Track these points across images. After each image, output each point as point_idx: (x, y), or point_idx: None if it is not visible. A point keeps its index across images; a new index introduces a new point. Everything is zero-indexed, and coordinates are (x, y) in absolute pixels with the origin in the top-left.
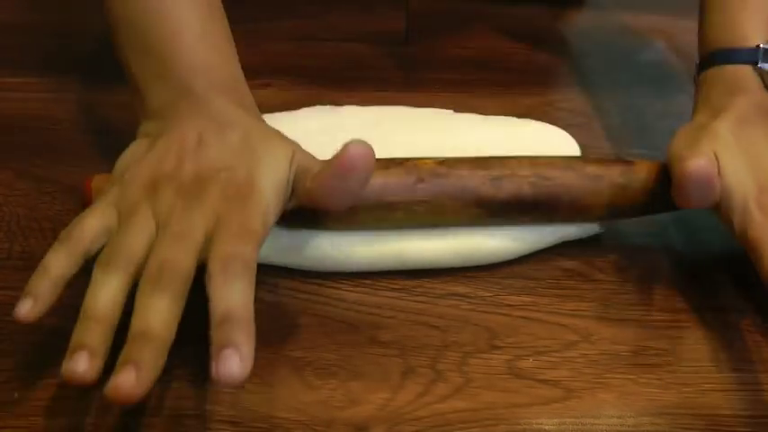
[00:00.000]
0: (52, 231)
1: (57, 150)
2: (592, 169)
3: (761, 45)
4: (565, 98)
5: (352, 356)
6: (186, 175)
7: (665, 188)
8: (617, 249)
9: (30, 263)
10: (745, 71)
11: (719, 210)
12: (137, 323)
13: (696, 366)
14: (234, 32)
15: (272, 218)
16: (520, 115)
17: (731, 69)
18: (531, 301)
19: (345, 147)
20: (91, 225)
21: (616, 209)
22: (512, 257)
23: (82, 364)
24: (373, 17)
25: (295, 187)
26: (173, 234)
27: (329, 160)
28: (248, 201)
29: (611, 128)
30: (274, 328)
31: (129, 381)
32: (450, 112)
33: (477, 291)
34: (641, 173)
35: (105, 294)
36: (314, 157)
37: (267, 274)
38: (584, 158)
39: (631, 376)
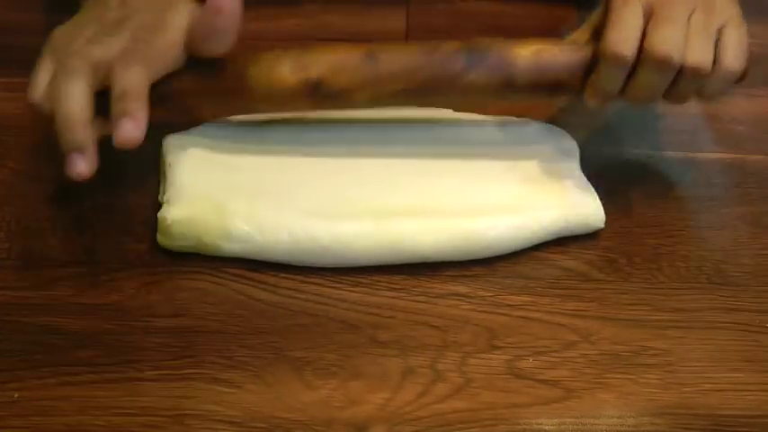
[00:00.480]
0: (52, 231)
1: (55, 149)
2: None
3: None
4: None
5: (352, 356)
6: (108, 19)
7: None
8: (616, 249)
9: (30, 263)
10: None
11: None
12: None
13: (696, 366)
14: None
15: (177, 57)
16: (519, 115)
17: None
18: (530, 300)
19: None
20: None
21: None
22: (510, 251)
23: (80, 166)
24: (373, 17)
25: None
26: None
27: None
28: (157, 34)
29: (610, 127)
30: (274, 328)
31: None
32: (449, 111)
33: (477, 291)
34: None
35: (75, 98)
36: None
37: (267, 275)
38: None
39: (631, 376)
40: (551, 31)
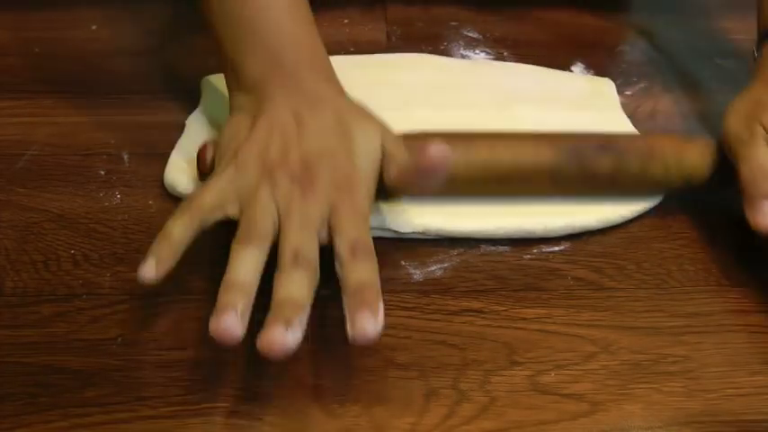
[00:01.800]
0: (44, 264)
1: (40, 177)
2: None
3: None
4: None
5: (372, 381)
6: (294, 163)
7: (719, 166)
8: (623, 255)
9: (24, 299)
10: None
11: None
12: (280, 294)
13: (717, 371)
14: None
15: (372, 198)
16: None
17: None
18: (545, 313)
19: (426, 148)
20: (211, 198)
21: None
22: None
23: (230, 321)
24: (353, 28)
25: (383, 169)
26: (298, 222)
27: (413, 157)
28: (354, 186)
29: None
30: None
31: (280, 334)
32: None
33: (491, 305)
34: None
35: (246, 266)
36: (396, 138)
37: None
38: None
39: (655, 385)
40: (533, 35)
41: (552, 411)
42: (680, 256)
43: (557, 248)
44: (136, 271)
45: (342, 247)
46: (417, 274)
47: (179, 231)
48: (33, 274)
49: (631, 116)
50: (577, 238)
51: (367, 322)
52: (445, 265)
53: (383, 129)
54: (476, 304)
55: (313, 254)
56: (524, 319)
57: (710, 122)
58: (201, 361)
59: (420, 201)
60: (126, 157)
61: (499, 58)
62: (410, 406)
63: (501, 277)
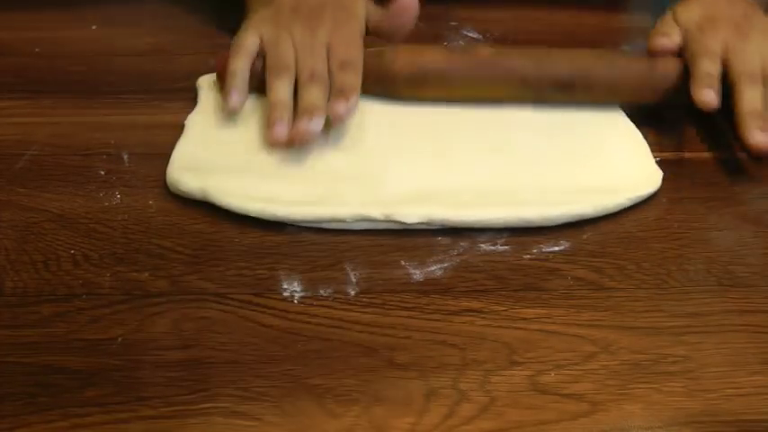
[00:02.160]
0: (44, 264)
1: (41, 177)
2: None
3: None
4: None
5: (372, 381)
6: (303, 12)
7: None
8: (623, 255)
9: (24, 299)
10: None
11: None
12: (304, 102)
13: (717, 371)
14: (218, 47)
15: (363, 32)
16: None
17: None
18: (545, 313)
19: None
20: (250, 41)
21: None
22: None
23: (281, 129)
24: None
25: (368, 20)
26: (310, 49)
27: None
28: (350, 22)
29: None
30: (289, 355)
31: (306, 123)
32: None
33: (491, 305)
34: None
35: (282, 89)
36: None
37: (274, 299)
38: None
39: (655, 385)
40: (535, 33)
41: (552, 411)
42: (680, 256)
43: (557, 248)
44: (136, 271)
45: (334, 64)
46: (417, 274)
47: (242, 68)
48: (33, 274)
49: (632, 116)
50: (577, 237)
51: (339, 105)
52: (445, 264)
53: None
54: (476, 304)
55: (324, 72)
56: (524, 319)
57: (711, 122)
58: (201, 361)
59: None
60: (126, 157)
61: None
62: (410, 406)
63: (501, 277)
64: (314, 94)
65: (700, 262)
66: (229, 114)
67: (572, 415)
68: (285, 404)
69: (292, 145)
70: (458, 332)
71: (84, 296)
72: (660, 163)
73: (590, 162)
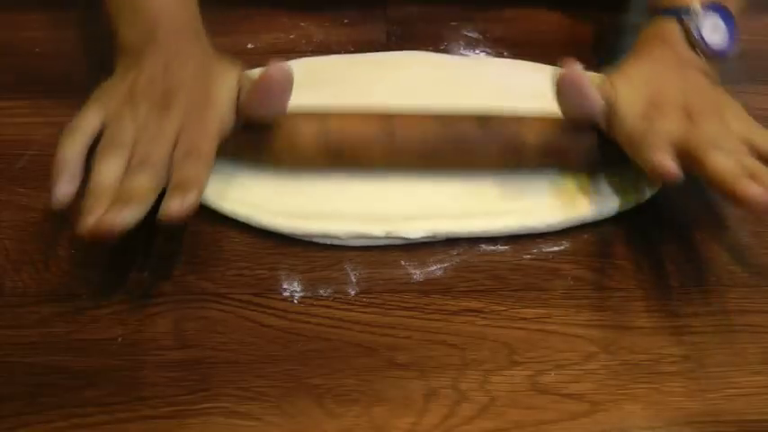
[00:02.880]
0: (44, 264)
1: (41, 177)
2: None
3: (692, 4)
4: None
5: (372, 381)
6: (156, 93)
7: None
8: (623, 256)
9: (24, 299)
10: (672, 25)
11: (609, 127)
12: (122, 187)
13: (717, 371)
14: (217, 47)
15: (228, 124)
16: None
17: (661, 22)
18: (545, 313)
19: (267, 66)
20: (87, 122)
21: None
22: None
23: (88, 219)
24: (353, 29)
25: (238, 99)
26: (150, 135)
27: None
28: (205, 109)
29: None
30: (289, 355)
31: (113, 215)
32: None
33: (491, 305)
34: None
35: (107, 172)
36: (251, 78)
37: (274, 299)
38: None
39: (655, 385)
40: (536, 34)
41: (552, 411)
42: (680, 256)
43: (556, 248)
44: (136, 271)
45: (178, 153)
46: (417, 274)
47: (70, 153)
48: (33, 274)
49: None
50: (577, 237)
51: (173, 202)
52: (445, 264)
53: (241, 73)
54: (476, 304)
55: (161, 159)
56: (524, 318)
57: None
58: (201, 361)
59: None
60: None
61: (499, 57)
62: (410, 406)
63: (501, 277)
64: (137, 181)
65: (699, 262)
66: (55, 208)
67: (572, 415)
68: (285, 404)
69: (97, 238)
70: (458, 332)
71: (84, 296)
72: None
73: None
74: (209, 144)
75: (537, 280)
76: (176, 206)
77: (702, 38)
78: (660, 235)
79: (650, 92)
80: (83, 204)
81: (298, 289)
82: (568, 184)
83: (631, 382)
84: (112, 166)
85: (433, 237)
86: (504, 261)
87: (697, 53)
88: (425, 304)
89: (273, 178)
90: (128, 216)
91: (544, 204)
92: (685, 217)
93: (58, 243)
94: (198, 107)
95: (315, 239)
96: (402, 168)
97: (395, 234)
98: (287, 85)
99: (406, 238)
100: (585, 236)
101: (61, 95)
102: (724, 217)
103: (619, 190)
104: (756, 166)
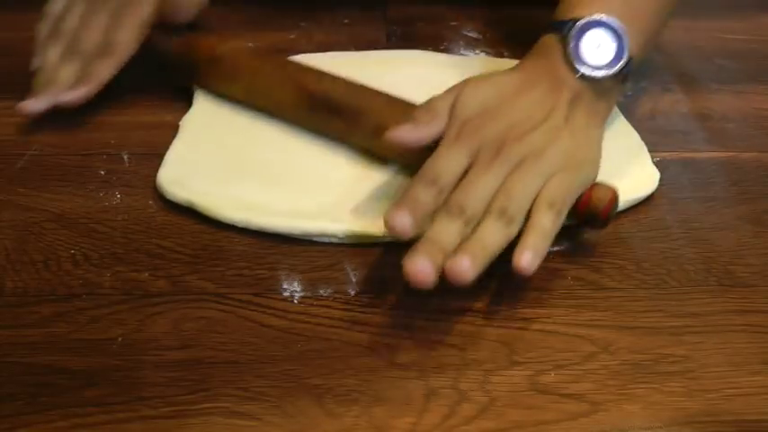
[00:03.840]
0: (44, 264)
1: (40, 177)
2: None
3: (576, 18)
4: None
5: (372, 381)
6: None
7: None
8: (623, 255)
9: (24, 299)
10: (552, 40)
11: None
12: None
13: (717, 371)
14: None
15: (148, 22)
16: None
17: (545, 37)
18: (545, 313)
19: None
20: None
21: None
22: None
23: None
24: (354, 28)
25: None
26: (85, 26)
27: None
28: (134, 6)
29: None
30: (289, 355)
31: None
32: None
33: (491, 305)
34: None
35: (50, 56)
36: None
37: (274, 299)
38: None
39: (655, 385)
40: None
41: (552, 411)
42: (680, 256)
43: (556, 248)
44: (136, 271)
45: (96, 49)
46: None
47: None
48: (33, 274)
49: (631, 116)
50: (577, 237)
51: (70, 91)
52: None
53: None
54: (476, 304)
55: (84, 50)
56: (524, 318)
57: (710, 122)
58: (201, 361)
59: None
60: (126, 156)
61: (499, 57)
62: (410, 406)
63: (500, 276)
64: (63, 72)
65: (699, 262)
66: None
67: (572, 415)
68: (285, 404)
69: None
70: (458, 332)
71: (84, 296)
72: (659, 163)
73: None
74: (125, 42)
75: (537, 280)
76: (67, 96)
77: (578, 55)
78: (660, 235)
79: (487, 103)
80: (74, 97)
81: (298, 289)
82: None
83: (631, 382)
84: (55, 51)
85: None
86: (504, 261)
87: (574, 71)
88: (425, 304)
89: (267, 181)
90: (36, 106)
91: None
92: (685, 217)
93: (57, 243)
94: (125, 5)
95: (313, 238)
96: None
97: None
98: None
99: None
100: (585, 236)
101: None
102: (724, 217)
103: (619, 190)
104: (477, 240)
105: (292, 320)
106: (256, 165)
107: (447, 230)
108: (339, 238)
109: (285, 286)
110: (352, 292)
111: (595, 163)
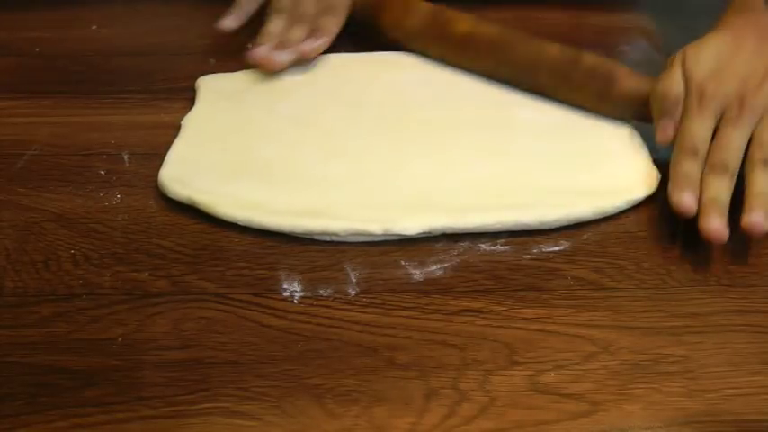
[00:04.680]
0: (44, 264)
1: (40, 177)
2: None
3: None
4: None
5: (372, 381)
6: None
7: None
8: (624, 255)
9: (24, 299)
10: None
11: None
12: (285, 37)
13: (717, 371)
14: (218, 47)
15: None
16: None
17: None
18: (545, 313)
19: None
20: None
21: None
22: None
23: (257, 52)
24: (352, 28)
25: None
26: None
27: None
28: None
29: None
30: (289, 355)
31: (278, 54)
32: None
33: (491, 305)
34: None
35: (274, 27)
36: None
37: (274, 299)
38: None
39: (654, 385)
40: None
41: (552, 411)
42: (680, 256)
43: (556, 248)
44: (136, 271)
45: (317, 10)
46: (417, 274)
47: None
48: (33, 274)
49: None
50: (577, 237)
51: (306, 43)
52: (445, 264)
53: None
54: (476, 304)
55: (307, 17)
56: (524, 318)
57: None
58: (201, 361)
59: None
60: (126, 156)
61: None
62: (410, 406)
63: (501, 277)
64: (296, 33)
65: (699, 261)
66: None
67: (572, 415)
68: (285, 404)
69: (257, 67)
70: (458, 332)
71: (84, 296)
72: (659, 162)
73: (587, 163)
74: (342, 3)
75: (537, 280)
76: (308, 46)
77: None
78: (660, 234)
79: (718, 62)
80: (255, 42)
81: (298, 289)
82: (568, 182)
83: (631, 382)
84: (278, 22)
85: (429, 232)
86: (503, 261)
87: None
88: (425, 304)
89: (268, 179)
90: (285, 57)
91: (541, 201)
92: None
93: (57, 243)
94: None
95: (314, 237)
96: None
97: (392, 231)
98: None
99: (403, 235)
100: (585, 235)
101: (61, 95)
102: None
103: (617, 189)
104: (759, 193)
105: (292, 320)
106: (258, 163)
107: (719, 189)
108: (341, 237)
109: (285, 286)
110: (352, 292)
111: None
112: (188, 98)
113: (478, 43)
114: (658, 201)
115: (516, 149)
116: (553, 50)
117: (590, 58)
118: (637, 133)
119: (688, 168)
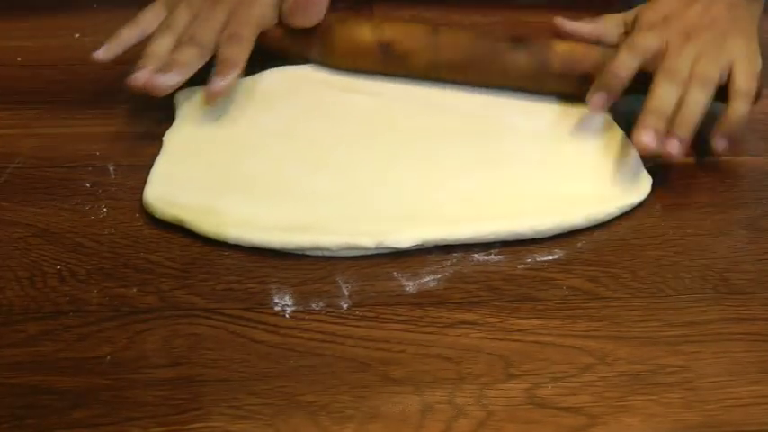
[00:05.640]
0: (29, 281)
1: (24, 191)
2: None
3: None
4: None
5: (367, 397)
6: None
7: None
8: (618, 264)
9: (9, 317)
10: None
11: None
12: (171, 57)
13: (715, 382)
14: None
15: (269, 22)
16: None
17: None
18: (540, 324)
19: None
20: (148, 17)
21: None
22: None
23: (139, 75)
24: None
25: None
26: (202, 20)
27: None
28: (250, 8)
29: None
30: (281, 371)
31: (163, 75)
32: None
33: (485, 317)
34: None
35: (159, 45)
36: None
37: (265, 314)
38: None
39: (653, 397)
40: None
41: (550, 425)
42: (675, 264)
43: (550, 257)
44: (124, 286)
45: (222, 37)
46: (410, 286)
47: (126, 34)
48: (18, 291)
49: (622, 122)
50: (571, 245)
51: (215, 81)
52: (438, 276)
53: None
54: (470, 316)
55: (207, 41)
56: (520, 330)
57: (702, 127)
58: (192, 379)
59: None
60: (112, 168)
61: None
62: (406, 422)
63: (495, 288)
64: (184, 54)
65: (695, 269)
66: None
67: (570, 429)
68: (279, 422)
69: (143, 93)
70: (453, 345)
71: (71, 313)
72: (653, 169)
73: (578, 170)
74: (249, 32)
75: (531, 290)
76: (217, 84)
77: None
78: (655, 242)
79: (670, 11)
80: (137, 65)
81: (289, 303)
82: (560, 189)
83: (629, 394)
84: (165, 41)
85: (422, 245)
86: (497, 271)
87: None
88: (419, 317)
89: (254, 194)
90: (170, 79)
91: (534, 210)
92: (680, 223)
93: (43, 258)
94: (244, 4)
95: (306, 252)
96: (442, 78)
97: (385, 245)
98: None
99: (396, 248)
100: (579, 244)
101: (45, 106)
102: (718, 223)
103: (610, 197)
104: (684, 114)
105: (284, 335)
106: (243, 178)
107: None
108: (332, 251)
109: (276, 300)
110: (345, 306)
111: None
112: (174, 109)
113: (440, 71)
114: (652, 207)
115: (505, 157)
116: (520, 60)
117: (554, 59)
118: (628, 139)
119: (626, 62)
